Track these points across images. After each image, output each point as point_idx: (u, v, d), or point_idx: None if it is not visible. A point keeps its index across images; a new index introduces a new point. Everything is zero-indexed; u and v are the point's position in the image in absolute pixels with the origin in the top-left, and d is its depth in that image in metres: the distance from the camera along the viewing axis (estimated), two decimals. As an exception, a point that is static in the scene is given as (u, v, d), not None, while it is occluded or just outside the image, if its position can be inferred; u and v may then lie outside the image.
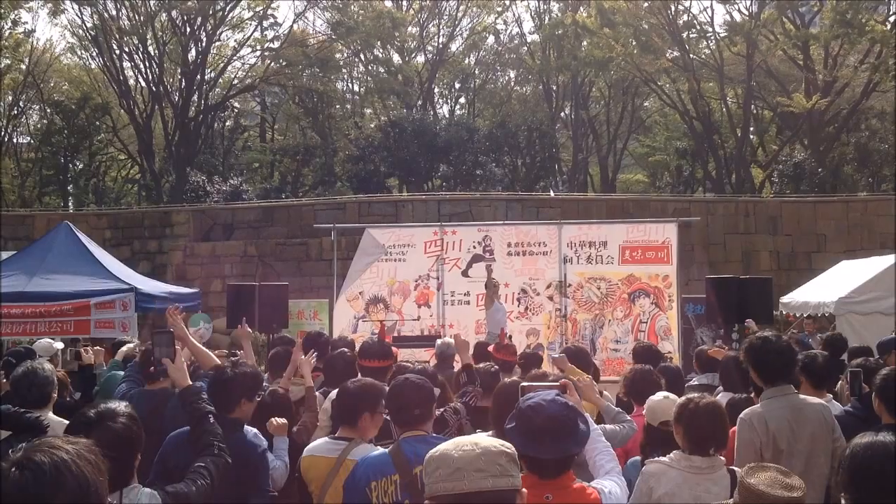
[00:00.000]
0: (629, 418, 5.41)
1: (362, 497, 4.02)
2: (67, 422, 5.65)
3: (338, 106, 45.58)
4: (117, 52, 39.01)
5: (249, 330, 7.07)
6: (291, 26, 42.45)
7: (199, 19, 38.76)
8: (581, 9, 39.51)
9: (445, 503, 2.32)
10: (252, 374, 4.97)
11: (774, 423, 4.86)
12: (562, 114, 44.70)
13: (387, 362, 6.23)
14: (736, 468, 4.34)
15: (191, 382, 4.33)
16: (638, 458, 5.08)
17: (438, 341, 9.20)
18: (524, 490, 2.40)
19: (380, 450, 4.34)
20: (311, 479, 4.59)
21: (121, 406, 3.49)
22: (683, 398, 4.65)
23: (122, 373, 7.38)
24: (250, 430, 4.82)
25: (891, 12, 34.98)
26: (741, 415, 4.97)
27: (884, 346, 9.13)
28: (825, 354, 7.09)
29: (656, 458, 4.52)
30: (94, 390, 7.78)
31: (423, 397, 4.32)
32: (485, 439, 2.43)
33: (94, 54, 40.73)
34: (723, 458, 4.42)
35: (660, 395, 5.30)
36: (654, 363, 7.20)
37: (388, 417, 5.04)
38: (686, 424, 4.40)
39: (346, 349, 6.92)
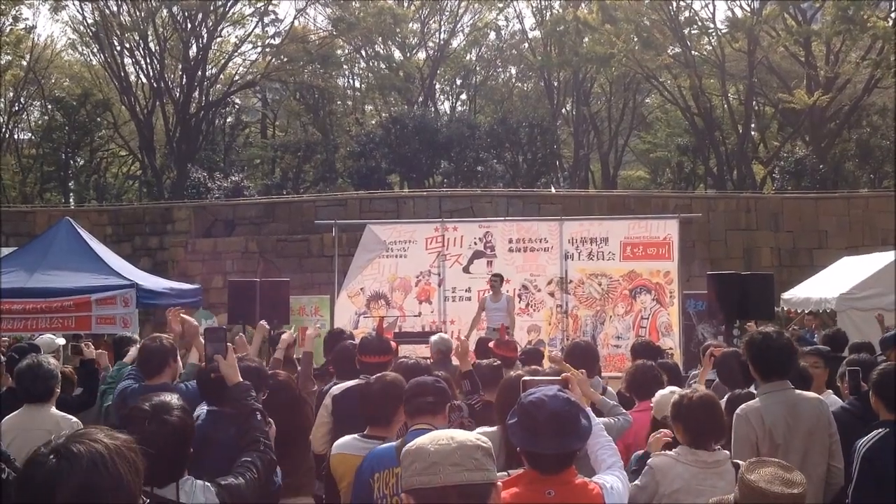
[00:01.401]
0: (624, 411, 5.43)
1: (366, 487, 4.09)
2: (71, 417, 5.71)
3: (339, 102, 45.59)
4: (118, 48, 38.99)
5: (266, 325, 7.10)
6: (292, 22, 42.48)
7: (200, 15, 38.76)
8: (582, 5, 39.50)
9: (421, 497, 2.32)
10: (255, 369, 4.95)
11: (770, 418, 4.86)
12: (563, 110, 44.65)
13: (386, 358, 6.23)
14: (741, 463, 4.35)
15: (241, 379, 4.35)
16: (642, 451, 5.09)
17: (433, 337, 9.10)
18: (499, 484, 2.40)
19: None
20: (340, 475, 4.62)
21: (174, 399, 3.52)
22: (677, 395, 4.66)
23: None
24: None
25: (892, 8, 34.94)
26: (737, 410, 4.98)
27: (885, 343, 9.12)
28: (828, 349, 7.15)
29: (663, 452, 4.52)
30: (103, 388, 7.77)
31: (440, 390, 4.40)
32: (461, 433, 2.43)
33: (95, 50, 40.76)
34: (727, 451, 4.42)
35: (667, 390, 5.32)
36: (653, 359, 7.23)
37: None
38: (684, 420, 4.41)
39: (353, 342, 6.96)
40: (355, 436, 4.71)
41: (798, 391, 5.08)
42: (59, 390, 5.82)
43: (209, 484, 3.47)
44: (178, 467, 3.34)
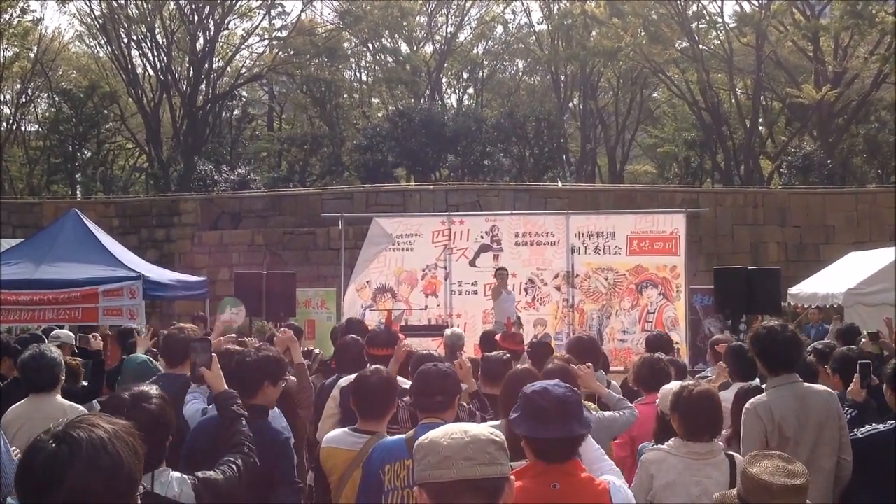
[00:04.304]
0: (630, 405, 5.42)
1: (376, 478, 4.07)
2: (78, 406, 5.72)
3: (345, 95, 45.56)
4: (125, 40, 39.05)
5: (293, 335, 6.80)
6: (299, 15, 42.58)
7: (207, 8, 38.77)
8: (590, -1, 39.45)
9: (434, 492, 2.29)
10: (275, 359, 4.95)
11: (780, 412, 4.85)
12: (570, 104, 44.55)
13: (394, 350, 6.24)
14: (736, 455, 4.35)
15: (226, 387, 4.41)
16: (650, 443, 5.10)
17: (447, 331, 9.21)
18: (512, 478, 2.37)
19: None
20: (329, 469, 4.60)
21: (153, 389, 3.61)
22: (678, 387, 4.67)
23: (142, 356, 7.40)
24: (277, 418, 4.83)
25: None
26: (747, 404, 4.97)
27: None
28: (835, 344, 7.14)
29: (655, 446, 4.52)
30: (118, 379, 7.80)
31: (447, 386, 4.35)
32: (474, 427, 2.40)
33: (103, 42, 40.81)
34: (721, 443, 4.42)
35: (675, 384, 5.31)
36: (665, 352, 7.25)
37: (401, 402, 5.08)
38: (681, 413, 4.42)
39: (356, 336, 6.95)
40: (346, 429, 4.68)
41: (807, 384, 5.07)
42: (63, 379, 5.82)
43: (187, 476, 3.51)
44: (155, 457, 3.36)
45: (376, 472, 4.09)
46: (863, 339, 8.88)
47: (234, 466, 3.82)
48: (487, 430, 2.40)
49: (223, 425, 4.24)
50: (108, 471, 2.08)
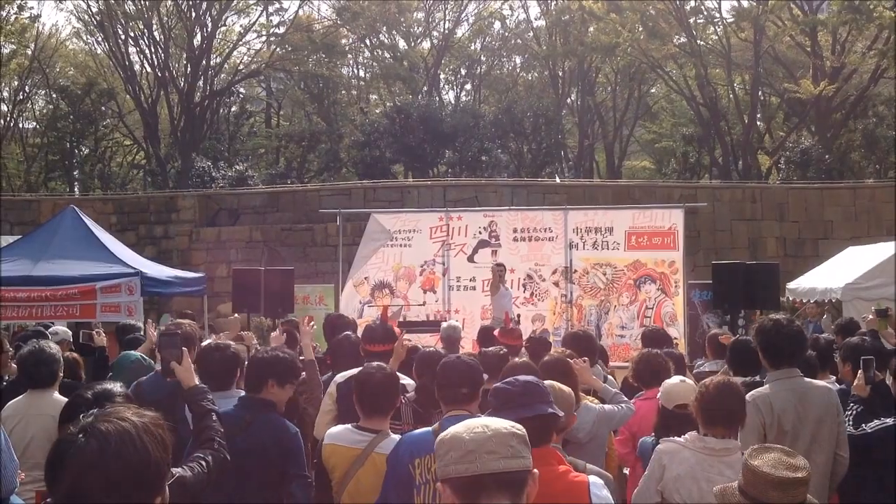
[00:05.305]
0: (626, 399, 5.43)
1: (405, 473, 4.05)
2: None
3: (343, 92, 45.51)
4: (123, 37, 38.94)
5: (308, 328, 6.78)
6: (297, 11, 42.39)
7: (205, 4, 38.71)
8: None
9: (458, 486, 2.31)
10: (284, 360, 4.99)
11: (780, 406, 4.85)
12: (568, 100, 44.47)
13: (391, 346, 6.22)
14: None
15: (197, 383, 4.42)
16: (650, 437, 5.10)
17: (444, 324, 9.21)
18: (535, 471, 2.39)
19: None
20: (332, 467, 4.59)
21: (116, 387, 3.60)
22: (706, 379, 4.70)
23: (134, 353, 7.39)
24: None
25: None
26: (747, 396, 4.98)
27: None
28: (828, 337, 7.16)
29: (671, 438, 4.52)
30: (109, 375, 7.80)
31: (472, 377, 4.35)
32: (495, 421, 2.43)
33: (100, 39, 40.69)
34: (738, 441, 4.42)
35: (676, 379, 5.31)
36: (662, 346, 7.25)
37: (405, 397, 5.10)
38: (699, 402, 4.43)
39: (349, 333, 6.93)
40: (348, 426, 4.67)
41: (807, 379, 5.07)
42: (61, 374, 5.82)
43: None
44: None
45: (405, 466, 4.06)
46: (869, 316, 8.89)
47: (203, 462, 3.79)
48: (508, 423, 2.43)
49: (193, 421, 4.24)
50: (135, 464, 2.11)
